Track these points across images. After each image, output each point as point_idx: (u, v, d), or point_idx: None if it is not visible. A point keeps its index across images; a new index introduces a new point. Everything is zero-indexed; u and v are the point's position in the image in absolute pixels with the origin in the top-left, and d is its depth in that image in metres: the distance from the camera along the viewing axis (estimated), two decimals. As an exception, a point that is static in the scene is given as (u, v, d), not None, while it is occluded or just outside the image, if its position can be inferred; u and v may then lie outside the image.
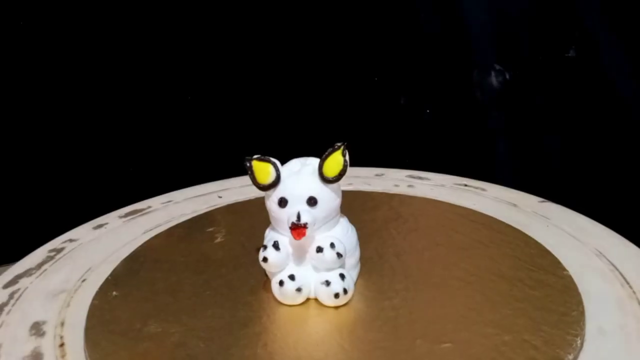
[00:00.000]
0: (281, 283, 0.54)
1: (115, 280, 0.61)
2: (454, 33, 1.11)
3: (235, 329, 0.52)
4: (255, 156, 0.54)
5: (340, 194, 0.55)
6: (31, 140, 1.07)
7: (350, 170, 0.78)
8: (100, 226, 0.74)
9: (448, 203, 0.77)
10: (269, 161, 0.54)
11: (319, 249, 0.53)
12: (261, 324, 0.53)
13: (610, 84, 1.03)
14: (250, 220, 0.72)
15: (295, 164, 0.56)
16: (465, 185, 0.83)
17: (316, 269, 0.54)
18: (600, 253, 0.64)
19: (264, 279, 0.58)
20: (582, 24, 1.04)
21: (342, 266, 0.55)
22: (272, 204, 0.54)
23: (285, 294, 0.54)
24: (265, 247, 0.54)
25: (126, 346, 0.51)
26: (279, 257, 0.54)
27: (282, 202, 0.53)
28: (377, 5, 1.14)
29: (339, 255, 0.53)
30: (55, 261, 0.66)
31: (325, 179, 0.53)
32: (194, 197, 0.82)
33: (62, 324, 0.55)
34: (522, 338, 0.50)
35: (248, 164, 0.54)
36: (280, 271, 0.54)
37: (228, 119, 1.15)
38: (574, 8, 1.03)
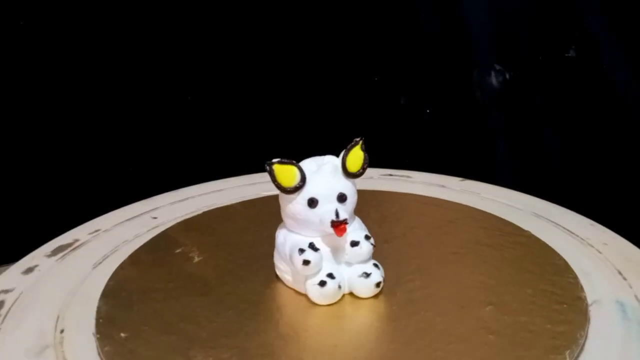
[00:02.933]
0: (322, 283, 0.53)
1: (109, 320, 0.54)
2: (454, 33, 1.11)
3: (290, 338, 0.51)
4: (276, 160, 0.53)
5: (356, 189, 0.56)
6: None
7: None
8: (30, 270, 0.64)
9: (389, 192, 0.81)
10: (292, 163, 0.54)
11: (354, 243, 0.54)
12: (312, 328, 0.53)
13: (610, 84, 1.04)
14: (214, 234, 0.69)
15: (310, 164, 0.56)
16: (390, 175, 0.88)
17: (348, 264, 0.54)
18: (540, 215, 0.74)
19: (276, 286, 0.58)
20: (582, 24, 1.04)
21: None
22: (297, 206, 0.54)
23: (327, 293, 0.54)
24: (301, 250, 0.53)
25: None
26: (318, 258, 0.53)
27: (313, 203, 0.53)
28: (377, 5, 1.14)
29: (373, 245, 0.54)
30: (4, 317, 0.56)
31: (349, 174, 0.54)
32: (124, 221, 0.75)
33: None
34: (540, 288, 0.57)
35: (269, 168, 0.53)
36: (317, 273, 0.54)
37: (226, 119, 1.15)
38: (574, 8, 1.04)
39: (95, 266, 0.64)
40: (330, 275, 0.53)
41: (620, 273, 0.61)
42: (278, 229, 0.58)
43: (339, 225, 0.52)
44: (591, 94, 1.06)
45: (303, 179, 0.53)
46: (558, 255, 0.63)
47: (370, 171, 0.80)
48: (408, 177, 0.87)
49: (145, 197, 0.81)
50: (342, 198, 0.54)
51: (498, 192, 0.81)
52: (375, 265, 0.55)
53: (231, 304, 0.56)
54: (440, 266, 0.61)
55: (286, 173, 0.53)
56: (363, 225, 0.57)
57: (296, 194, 0.54)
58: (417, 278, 0.59)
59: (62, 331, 0.54)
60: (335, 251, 0.54)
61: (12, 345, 0.52)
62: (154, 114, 1.10)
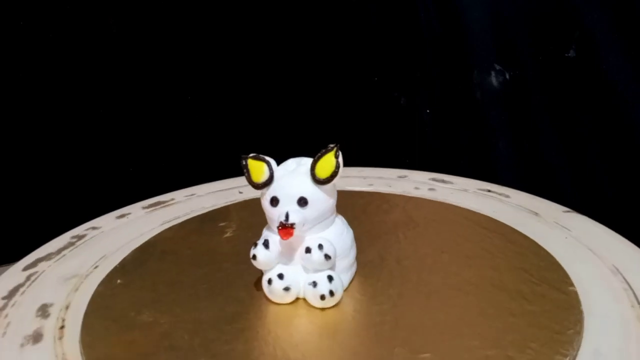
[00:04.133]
0: (270, 281, 0.54)
1: (122, 268, 0.63)
2: (454, 33, 1.11)
3: (221, 324, 0.53)
4: (251, 155, 0.55)
5: (334, 195, 0.55)
6: (55, 135, 1.08)
7: (373, 171, 0.78)
8: (123, 216, 0.77)
9: (466, 209, 0.75)
10: (264, 160, 0.54)
11: (308, 250, 0.53)
12: (247, 321, 0.54)
13: (610, 84, 1.03)
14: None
15: (290, 163, 0.56)
16: (489, 190, 0.81)
17: (305, 269, 0.54)
18: (617, 270, 0.60)
19: (261, 276, 0.58)
20: (582, 24, 1.03)
21: (332, 268, 0.54)
22: (265, 202, 0.55)
23: (273, 292, 0.54)
24: (255, 244, 0.54)
25: (117, 332, 0.53)
26: (267, 256, 0.54)
27: (274, 201, 0.54)
28: (378, 5, 1.14)
29: (327, 256, 0.53)
30: (75, 247, 0.69)
31: (317, 180, 0.54)
32: (217, 191, 0.84)
33: (67, 307, 0.57)
34: (506, 354, 0.48)
35: (244, 162, 0.55)
36: (270, 269, 0.54)
37: (231, 119, 1.16)
38: (574, 8, 1.03)
39: (163, 223, 0.74)
40: (280, 276, 0.54)
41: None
42: None
43: (283, 228, 0.52)
44: (591, 94, 1.05)
45: (271, 176, 0.54)
46: (579, 323, 0.52)
47: (467, 183, 0.83)
48: (507, 195, 0.79)
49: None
50: (302, 202, 0.53)
51: (594, 234, 0.69)
52: (329, 277, 0.54)
53: (211, 280, 0.60)
54: (426, 298, 0.56)
55: (257, 169, 0.54)
56: (344, 233, 0.56)
57: (265, 190, 0.54)
58: (389, 302, 0.55)
59: (95, 267, 0.65)
60: (293, 253, 0.54)
61: (61, 269, 0.64)
62: (154, 114, 1.11)
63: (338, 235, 0.56)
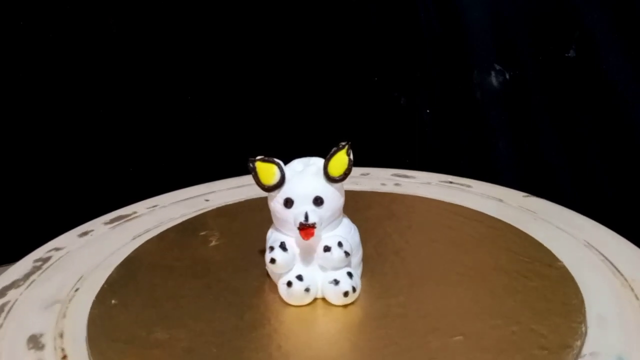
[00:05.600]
0: (289, 284, 0.54)
1: (111, 287, 0.59)
2: (454, 33, 1.11)
3: (245, 332, 0.52)
4: (259, 157, 0.54)
5: (343, 193, 0.56)
6: (54, 135, 1.07)
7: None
8: (85, 233, 0.72)
9: (438, 200, 0.78)
10: (273, 162, 0.54)
11: (327, 248, 0.53)
12: (270, 326, 0.53)
13: (610, 84, 1.03)
14: (243, 222, 0.73)
15: (298, 164, 0.56)
16: (451, 182, 0.85)
17: (323, 268, 0.54)
18: (590, 244, 0.66)
19: (267, 281, 0.58)
20: (582, 24, 1.04)
21: (349, 265, 0.55)
22: (276, 204, 0.54)
23: (293, 294, 0.54)
24: (272, 248, 0.54)
25: (134, 354, 0.50)
26: (286, 258, 0.53)
27: (288, 203, 0.53)
28: (378, 5, 1.14)
29: (347, 253, 0.53)
30: (43, 271, 0.64)
31: (330, 179, 0.54)
32: (181, 200, 0.81)
33: (61, 335, 0.54)
34: (530, 327, 0.51)
35: (251, 165, 0.54)
36: (287, 272, 0.54)
37: (226, 119, 1.15)
38: (574, 8, 1.03)
39: (134, 238, 0.71)
40: (299, 277, 0.54)
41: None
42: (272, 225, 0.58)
43: (305, 228, 0.52)
44: (591, 94, 1.05)
45: (282, 178, 0.54)
46: (578, 294, 0.56)
47: (428, 176, 0.87)
48: (468, 185, 0.83)
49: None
50: (317, 201, 0.53)
51: (557, 213, 0.74)
52: (349, 273, 0.54)
53: (215, 290, 0.58)
54: (436, 285, 0.58)
55: (266, 171, 0.54)
56: (352, 230, 0.57)
57: (275, 192, 0.54)
58: (403, 293, 0.57)
59: (76, 290, 0.60)
60: (309, 254, 0.54)
61: (35, 296, 0.59)
62: (154, 114, 1.11)
63: (348, 232, 0.56)
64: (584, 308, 0.54)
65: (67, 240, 0.71)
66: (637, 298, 0.57)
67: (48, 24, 1.02)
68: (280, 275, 0.54)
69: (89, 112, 1.08)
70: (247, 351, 0.50)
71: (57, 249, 0.68)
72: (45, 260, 0.66)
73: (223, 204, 0.79)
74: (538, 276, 0.59)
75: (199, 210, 0.77)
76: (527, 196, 0.79)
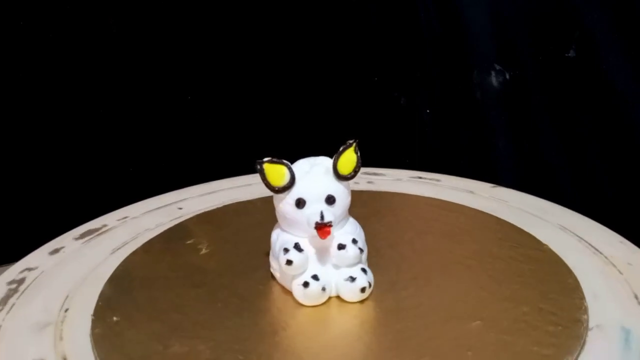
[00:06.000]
0: (306, 284, 0.53)
1: (108, 304, 0.57)
2: (454, 33, 1.11)
3: (267, 337, 0.52)
4: (266, 158, 0.54)
5: (350, 191, 0.56)
6: (55, 135, 1.06)
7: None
8: (56, 251, 0.68)
9: (414, 195, 0.80)
10: (282, 163, 0.54)
11: (341, 246, 0.53)
12: (290, 328, 0.53)
13: (610, 84, 1.03)
14: (227, 228, 0.71)
15: (304, 164, 0.56)
16: (420, 177, 0.87)
17: (336, 267, 0.54)
18: (564, 227, 0.70)
19: (271, 284, 0.58)
20: (582, 24, 1.04)
21: (361, 261, 0.55)
22: (286, 206, 0.54)
23: (310, 294, 0.54)
24: (286, 250, 0.53)
25: None
26: (302, 259, 0.53)
27: (300, 203, 0.53)
28: (378, 5, 1.14)
29: (361, 250, 0.54)
30: (22, 293, 0.60)
31: (340, 177, 0.54)
32: (152, 210, 0.78)
33: (65, 358, 0.51)
34: (538, 307, 0.54)
35: (259, 167, 0.53)
36: (302, 273, 0.54)
37: (226, 119, 1.15)
38: (574, 8, 1.03)
39: (113, 252, 0.67)
40: (315, 277, 0.54)
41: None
42: (274, 227, 0.58)
43: (322, 227, 0.52)
44: (591, 94, 1.05)
45: (292, 179, 0.54)
46: (571, 273, 0.60)
47: (398, 173, 0.90)
48: (437, 180, 0.86)
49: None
50: (330, 200, 0.53)
51: (527, 201, 0.78)
52: (363, 270, 0.55)
53: (221, 297, 0.57)
54: (439, 275, 0.60)
55: (276, 172, 0.53)
56: (358, 228, 0.57)
57: (285, 193, 0.54)
58: (411, 286, 0.58)
59: (66, 310, 0.57)
60: (323, 253, 0.54)
61: (21, 320, 0.56)
62: (154, 114, 1.10)
63: (355, 230, 0.56)
64: (580, 286, 0.57)
65: (38, 259, 0.67)
66: (621, 273, 0.61)
67: (48, 24, 1.01)
68: (294, 277, 0.54)
69: (88, 112, 1.07)
70: (276, 355, 0.49)
71: (29, 269, 0.64)
72: (20, 282, 0.62)
73: (200, 211, 0.76)
74: (530, 260, 0.62)
75: (175, 219, 0.75)
76: (494, 186, 0.82)
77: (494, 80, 1.11)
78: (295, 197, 0.53)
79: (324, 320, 0.54)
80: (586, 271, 0.60)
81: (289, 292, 0.56)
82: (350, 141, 0.54)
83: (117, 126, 1.09)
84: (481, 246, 0.65)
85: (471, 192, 0.81)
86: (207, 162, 1.11)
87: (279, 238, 0.56)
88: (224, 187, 0.84)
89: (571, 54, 1.05)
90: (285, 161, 0.54)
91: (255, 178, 0.83)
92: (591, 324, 0.53)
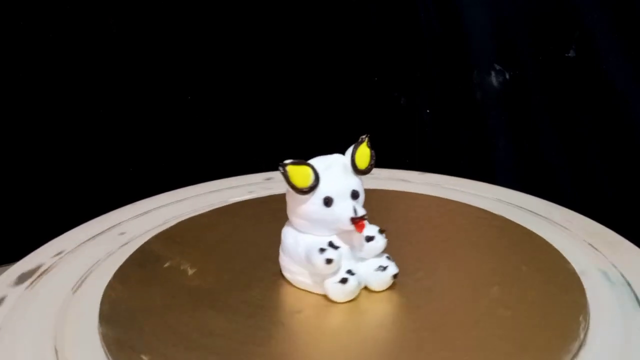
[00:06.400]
0: (344, 281, 0.53)
1: (122, 345, 0.49)
2: (454, 33, 1.11)
3: (321, 342, 0.51)
4: (288, 160, 0.53)
5: None
6: (55, 135, 1.05)
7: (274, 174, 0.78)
8: None
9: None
10: (306, 164, 0.53)
11: (369, 238, 0.54)
12: (326, 326, 0.53)
13: (610, 84, 1.04)
14: (199, 245, 0.66)
15: (318, 163, 0.55)
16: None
17: (362, 259, 0.55)
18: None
19: (282, 289, 0.57)
20: (582, 24, 1.04)
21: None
22: (312, 206, 0.53)
23: (349, 290, 0.54)
24: (322, 249, 0.53)
25: None
26: (339, 256, 0.53)
27: (328, 202, 0.53)
28: (378, 5, 1.13)
29: (386, 240, 0.55)
30: None
31: (359, 171, 0.55)
32: (88, 240, 0.69)
33: None
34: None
35: (282, 170, 0.53)
36: (337, 270, 0.54)
37: (229, 119, 1.15)
38: (574, 8, 1.04)
39: (74, 290, 0.58)
40: (350, 272, 0.54)
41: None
42: (283, 231, 0.57)
43: (359, 221, 0.53)
44: (591, 94, 1.06)
45: (317, 178, 0.53)
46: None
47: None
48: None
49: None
50: (355, 195, 0.54)
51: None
52: (388, 257, 0.56)
53: (239, 310, 0.53)
54: (436, 256, 0.63)
55: (300, 174, 0.53)
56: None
57: (310, 194, 0.53)
58: (420, 269, 0.60)
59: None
60: (351, 248, 0.55)
61: None
62: (154, 114, 1.10)
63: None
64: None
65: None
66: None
67: (48, 24, 1.00)
68: (327, 276, 0.54)
69: (89, 111, 1.06)
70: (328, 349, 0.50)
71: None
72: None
73: (148, 232, 0.69)
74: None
75: (123, 244, 0.67)
76: (422, 173, 0.90)
77: (494, 80, 1.11)
78: (323, 196, 0.53)
79: (363, 312, 0.54)
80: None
81: (309, 294, 0.56)
82: (363, 136, 0.56)
83: (117, 126, 1.08)
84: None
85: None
86: (207, 162, 1.10)
87: (300, 241, 0.55)
88: (155, 205, 0.79)
89: (571, 54, 1.06)
90: (307, 162, 0.54)
91: (187, 192, 0.83)
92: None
